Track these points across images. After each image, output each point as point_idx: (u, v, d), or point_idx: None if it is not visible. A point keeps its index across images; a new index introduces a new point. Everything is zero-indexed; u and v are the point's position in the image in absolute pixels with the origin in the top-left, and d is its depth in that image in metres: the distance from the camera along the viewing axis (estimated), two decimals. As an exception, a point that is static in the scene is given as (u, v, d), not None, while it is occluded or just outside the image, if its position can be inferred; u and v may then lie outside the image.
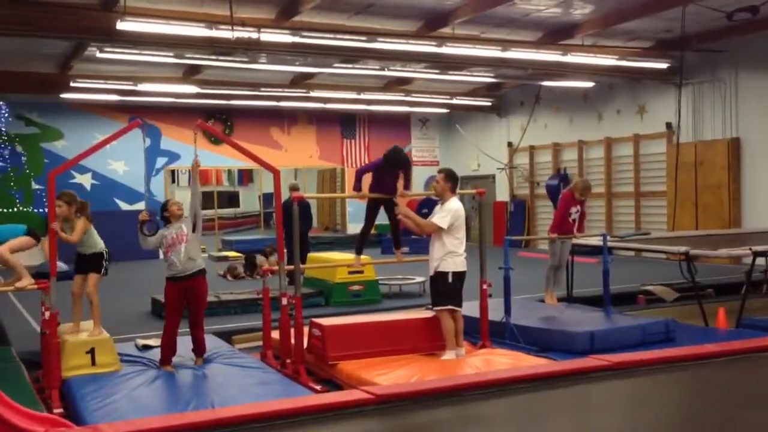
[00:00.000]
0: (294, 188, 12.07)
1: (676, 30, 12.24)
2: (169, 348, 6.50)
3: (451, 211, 6.54)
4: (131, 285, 12.36)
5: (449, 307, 6.57)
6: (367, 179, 7.09)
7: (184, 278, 6.48)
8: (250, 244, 18.05)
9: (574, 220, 8.76)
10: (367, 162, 20.01)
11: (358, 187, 7.06)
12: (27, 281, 6.23)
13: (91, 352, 6.28)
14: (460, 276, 6.58)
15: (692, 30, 12.71)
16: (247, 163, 19.19)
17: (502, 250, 7.96)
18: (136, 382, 6.00)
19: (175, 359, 6.57)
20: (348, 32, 11.61)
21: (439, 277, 6.62)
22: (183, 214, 6.65)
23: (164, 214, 6.69)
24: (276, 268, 7.22)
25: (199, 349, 6.66)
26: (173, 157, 18.53)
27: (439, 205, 6.72)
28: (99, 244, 6.78)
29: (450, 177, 6.74)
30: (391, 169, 7.05)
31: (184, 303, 6.59)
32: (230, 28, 10.21)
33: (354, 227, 20.28)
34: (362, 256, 7.89)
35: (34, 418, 3.51)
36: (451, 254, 6.54)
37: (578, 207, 8.83)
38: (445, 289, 6.56)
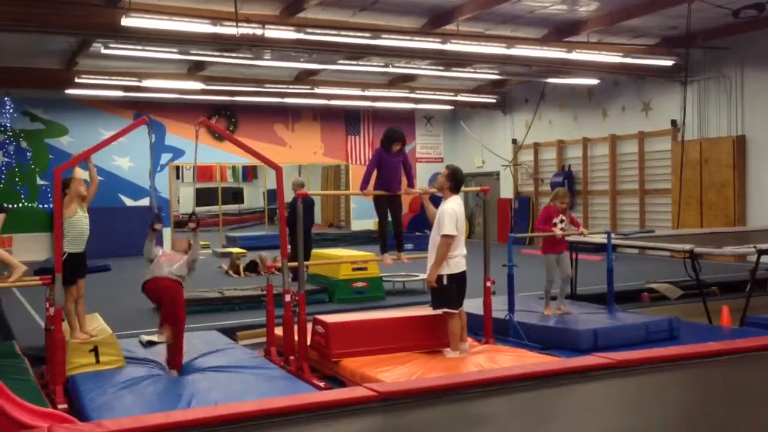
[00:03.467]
0: (299, 185, 12.03)
1: (682, 27, 12.20)
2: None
3: (450, 217, 6.40)
4: (135, 282, 12.35)
5: (445, 309, 6.50)
6: (372, 178, 7.07)
7: (161, 277, 6.68)
8: (254, 241, 18.10)
9: (563, 230, 7.91)
10: (369, 157, 19.98)
11: (364, 186, 7.04)
12: (18, 273, 6.08)
13: (95, 350, 6.30)
14: (455, 277, 6.46)
15: (698, 27, 12.67)
16: (251, 160, 19.20)
17: (506, 248, 7.95)
18: (139, 378, 6.01)
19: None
20: (352, 29, 11.61)
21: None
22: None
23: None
24: (280, 264, 7.23)
25: (173, 359, 6.32)
26: (178, 153, 18.55)
27: (441, 204, 6.65)
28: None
29: (452, 177, 6.56)
30: (390, 145, 6.90)
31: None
32: (235, 24, 10.22)
33: (358, 224, 20.29)
34: (370, 254, 7.85)
35: (39, 413, 3.53)
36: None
37: (562, 216, 7.98)
38: (441, 292, 6.49)
